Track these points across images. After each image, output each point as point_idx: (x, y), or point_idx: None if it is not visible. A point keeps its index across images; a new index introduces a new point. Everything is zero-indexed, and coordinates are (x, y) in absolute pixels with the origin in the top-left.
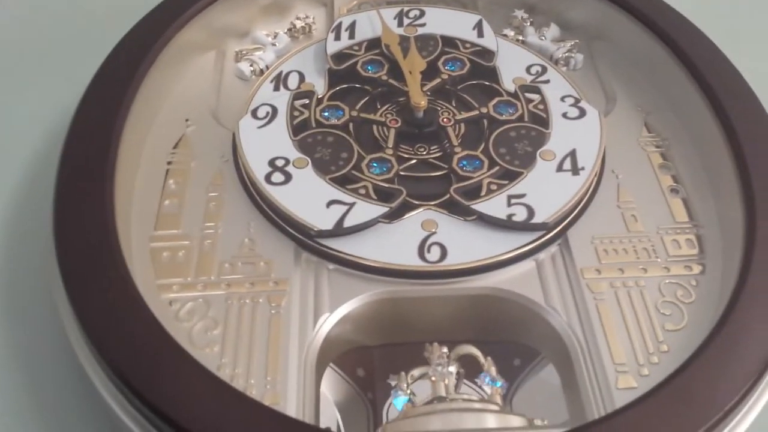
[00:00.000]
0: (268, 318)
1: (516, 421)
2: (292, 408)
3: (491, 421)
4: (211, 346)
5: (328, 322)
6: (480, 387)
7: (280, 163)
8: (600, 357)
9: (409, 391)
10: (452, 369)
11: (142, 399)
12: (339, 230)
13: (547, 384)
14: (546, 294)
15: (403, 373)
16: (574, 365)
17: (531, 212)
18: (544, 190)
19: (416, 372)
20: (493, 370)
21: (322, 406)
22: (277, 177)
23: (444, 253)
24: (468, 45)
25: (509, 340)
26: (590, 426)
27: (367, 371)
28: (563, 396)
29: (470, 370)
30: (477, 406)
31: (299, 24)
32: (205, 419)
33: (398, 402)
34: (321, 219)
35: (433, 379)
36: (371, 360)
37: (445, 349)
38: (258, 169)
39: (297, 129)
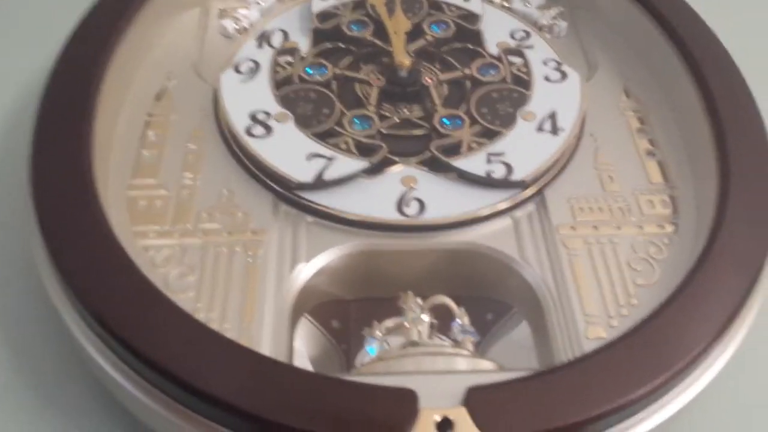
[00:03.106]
0: (245, 266)
1: (486, 365)
2: (267, 352)
3: (462, 364)
4: (187, 291)
5: (304, 272)
6: (452, 336)
7: (261, 116)
8: (571, 308)
9: (383, 339)
10: (425, 317)
11: (118, 340)
12: (319, 183)
13: (517, 340)
14: (521, 250)
15: (376, 322)
16: (546, 316)
17: (509, 170)
18: (524, 149)
19: (390, 323)
20: (466, 319)
21: (296, 356)
22: (258, 130)
23: (422, 208)
24: (454, 8)
25: (483, 295)
26: (559, 369)
27: (342, 323)
28: (534, 348)
29: (442, 325)
30: (449, 350)
31: None
32: (183, 358)
33: (372, 350)
34: (301, 172)
35: (407, 325)
36: (347, 313)
37: (419, 299)
38: (238, 122)
39: (279, 84)
